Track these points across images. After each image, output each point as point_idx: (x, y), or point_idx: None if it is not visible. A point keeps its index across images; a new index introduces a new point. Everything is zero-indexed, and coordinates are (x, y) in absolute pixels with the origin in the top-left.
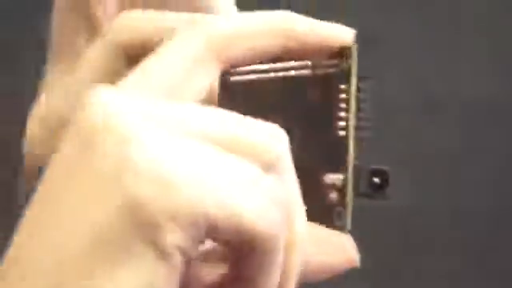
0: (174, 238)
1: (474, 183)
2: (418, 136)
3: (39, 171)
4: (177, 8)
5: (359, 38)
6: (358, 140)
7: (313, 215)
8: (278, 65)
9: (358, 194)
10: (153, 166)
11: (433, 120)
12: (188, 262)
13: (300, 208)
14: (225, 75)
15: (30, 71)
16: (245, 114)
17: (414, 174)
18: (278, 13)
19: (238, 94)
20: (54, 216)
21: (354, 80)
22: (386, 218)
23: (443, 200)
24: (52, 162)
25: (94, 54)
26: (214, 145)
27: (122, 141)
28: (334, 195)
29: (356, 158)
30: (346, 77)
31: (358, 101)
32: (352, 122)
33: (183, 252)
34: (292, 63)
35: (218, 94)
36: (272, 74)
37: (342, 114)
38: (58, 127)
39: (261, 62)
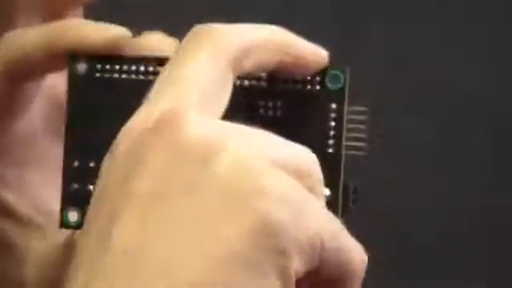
0: (297, 265)
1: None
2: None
3: None
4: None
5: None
6: (350, 158)
7: None
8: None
9: (347, 211)
10: (285, 192)
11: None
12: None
13: None
14: None
15: None
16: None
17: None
18: (274, 27)
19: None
20: (174, 228)
21: (346, 100)
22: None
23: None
24: (159, 175)
25: None
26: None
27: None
28: None
29: (346, 175)
30: (337, 97)
31: (350, 121)
32: (343, 141)
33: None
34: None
35: None
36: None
37: (332, 132)
38: None
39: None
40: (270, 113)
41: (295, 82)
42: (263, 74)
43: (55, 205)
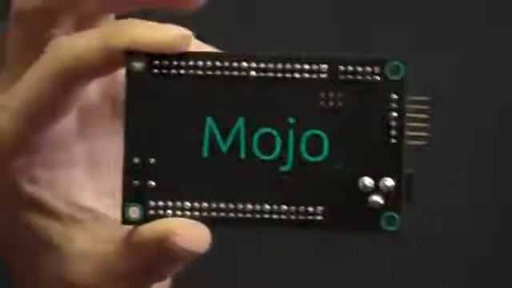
0: None
1: None
2: None
3: None
4: None
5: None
6: (413, 148)
7: (351, 219)
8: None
9: (409, 199)
10: None
11: None
12: None
13: None
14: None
15: None
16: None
17: None
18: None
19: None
20: None
21: (406, 90)
22: None
23: None
24: None
25: (29, 77)
26: None
27: None
28: (378, 200)
29: (408, 164)
30: (397, 87)
31: (412, 110)
32: (405, 131)
33: None
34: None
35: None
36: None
37: (394, 122)
38: None
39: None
40: (331, 104)
41: (355, 72)
42: (323, 66)
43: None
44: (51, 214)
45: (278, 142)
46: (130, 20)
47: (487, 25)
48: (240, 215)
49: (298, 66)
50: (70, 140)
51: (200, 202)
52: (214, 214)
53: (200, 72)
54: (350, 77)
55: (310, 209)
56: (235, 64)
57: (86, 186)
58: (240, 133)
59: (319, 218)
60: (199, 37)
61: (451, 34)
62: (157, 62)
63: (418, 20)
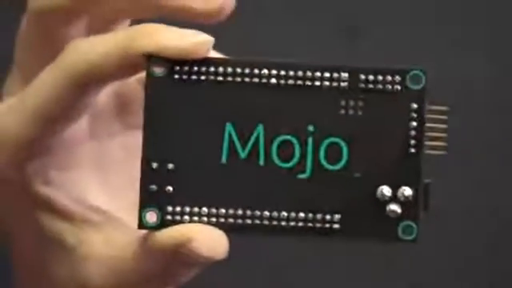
0: None
1: None
2: None
3: None
4: None
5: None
6: (429, 157)
7: (368, 227)
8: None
9: (426, 208)
10: None
11: None
12: None
13: None
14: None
15: None
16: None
17: None
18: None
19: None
20: None
21: (426, 100)
22: None
23: None
24: None
25: (45, 81)
26: None
27: None
28: (395, 209)
29: (426, 174)
30: (418, 96)
31: (431, 120)
32: (424, 141)
33: None
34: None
35: None
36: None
37: (413, 132)
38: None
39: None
40: (351, 112)
41: (376, 82)
42: (344, 74)
43: (102, 204)
44: (65, 215)
45: (297, 150)
46: (153, 24)
47: (487, 25)
48: (257, 222)
49: (318, 74)
50: (81, 141)
51: (217, 208)
52: (231, 220)
53: (220, 78)
54: (370, 86)
55: (328, 217)
56: (256, 71)
57: (95, 188)
58: (259, 140)
59: (336, 226)
60: None
61: (451, 34)
62: (177, 68)
63: (418, 20)
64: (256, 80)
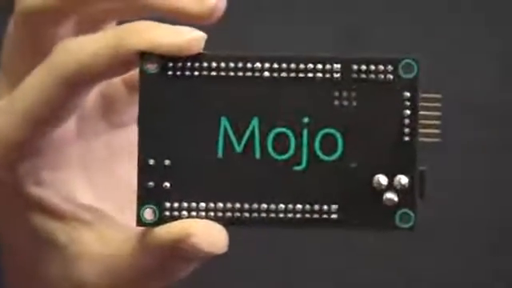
0: None
1: None
2: None
3: None
4: None
5: None
6: (423, 145)
7: (366, 216)
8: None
9: (422, 196)
10: None
11: None
12: None
13: None
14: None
15: None
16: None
17: None
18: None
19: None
20: None
21: (419, 89)
22: None
23: None
24: None
25: (34, 82)
26: None
27: None
28: (392, 197)
29: (421, 162)
30: (410, 85)
31: (424, 108)
32: (418, 129)
33: None
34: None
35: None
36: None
37: (407, 120)
38: None
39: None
40: (345, 103)
41: (368, 71)
42: (337, 65)
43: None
44: (57, 215)
45: (293, 142)
46: (144, 22)
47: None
48: (255, 215)
49: (311, 66)
50: (70, 141)
51: (215, 203)
52: (228, 214)
53: (213, 73)
54: (363, 76)
55: (325, 207)
56: (249, 65)
57: (82, 187)
58: (254, 133)
59: (333, 216)
60: None
61: (451, 34)
62: (170, 64)
63: (418, 20)
64: (249, 74)
